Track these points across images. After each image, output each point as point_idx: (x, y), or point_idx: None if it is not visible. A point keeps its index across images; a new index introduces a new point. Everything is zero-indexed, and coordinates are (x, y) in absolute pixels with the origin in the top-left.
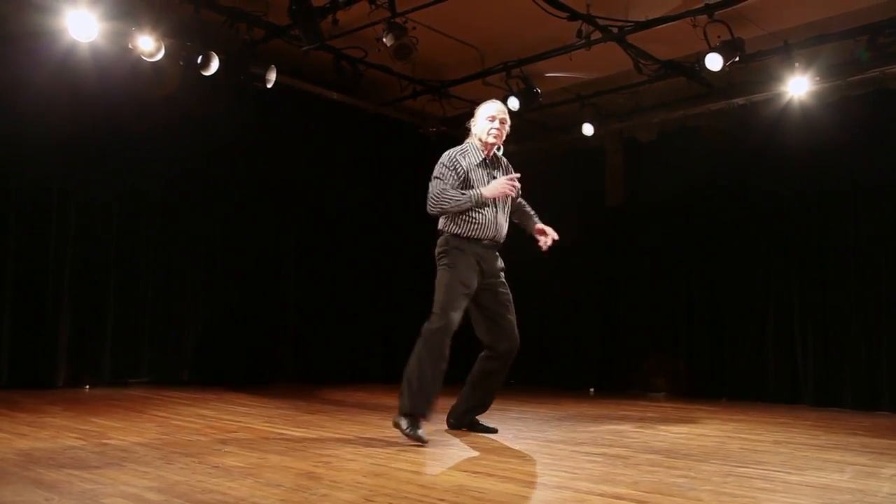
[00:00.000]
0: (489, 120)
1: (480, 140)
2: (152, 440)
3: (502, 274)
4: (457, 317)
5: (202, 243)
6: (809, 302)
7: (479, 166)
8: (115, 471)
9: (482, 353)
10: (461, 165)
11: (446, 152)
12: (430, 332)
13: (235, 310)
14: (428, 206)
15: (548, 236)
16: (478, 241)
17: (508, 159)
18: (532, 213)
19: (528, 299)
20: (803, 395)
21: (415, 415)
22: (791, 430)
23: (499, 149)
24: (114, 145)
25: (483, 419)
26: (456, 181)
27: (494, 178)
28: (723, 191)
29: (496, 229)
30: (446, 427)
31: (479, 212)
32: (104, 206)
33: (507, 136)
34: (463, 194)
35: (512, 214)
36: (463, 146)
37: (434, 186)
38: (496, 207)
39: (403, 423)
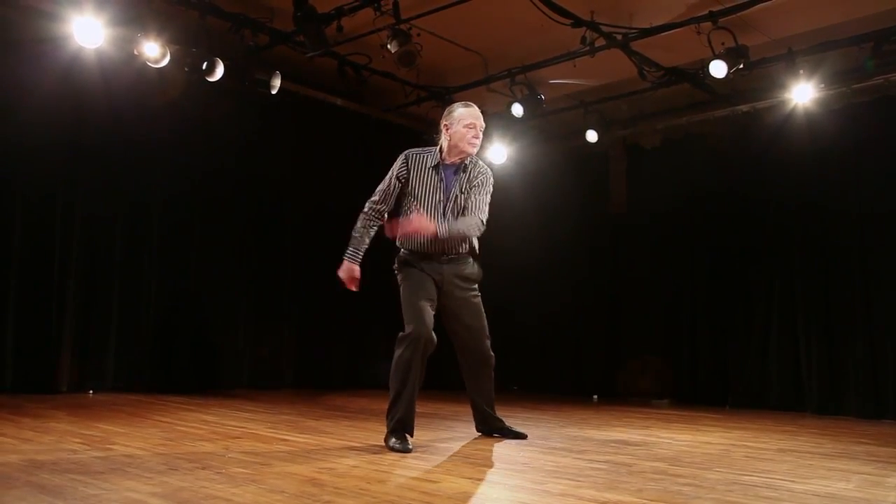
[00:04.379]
0: (468, 128)
1: (454, 145)
2: (156, 446)
3: (460, 281)
4: (425, 323)
5: (206, 249)
6: (814, 309)
7: (433, 168)
8: (118, 476)
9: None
10: (403, 170)
11: (407, 150)
12: (402, 346)
13: (239, 315)
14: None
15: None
16: (425, 254)
17: (512, 166)
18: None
19: (531, 305)
20: (808, 403)
21: (399, 430)
22: (796, 439)
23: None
24: (119, 150)
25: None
26: (385, 187)
27: (447, 179)
28: (726, 198)
29: (441, 243)
30: (477, 434)
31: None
32: (109, 211)
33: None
34: (354, 239)
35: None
36: (428, 147)
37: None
38: (445, 217)
39: (391, 440)
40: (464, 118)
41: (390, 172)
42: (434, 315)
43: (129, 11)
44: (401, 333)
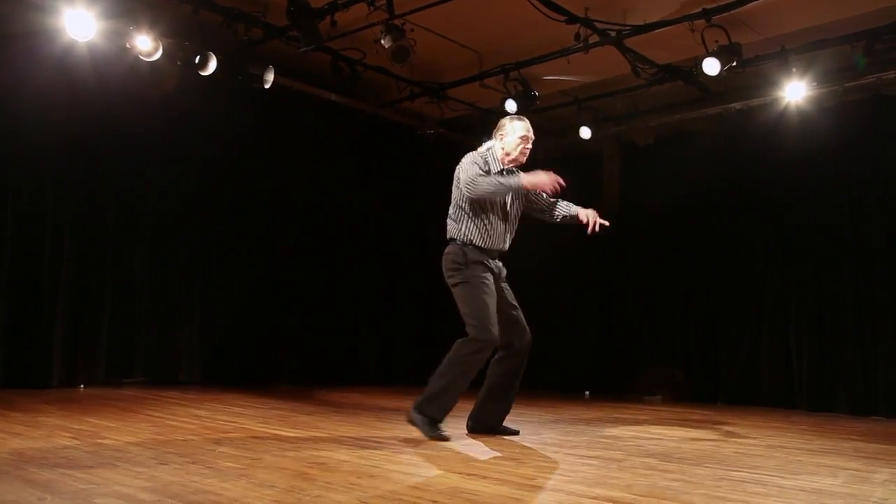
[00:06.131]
0: (523, 140)
1: (507, 154)
2: (146, 440)
3: (503, 280)
4: (497, 328)
5: (199, 243)
6: (805, 307)
7: (497, 174)
8: (108, 471)
9: (496, 356)
10: (485, 169)
11: (467, 155)
12: (476, 348)
13: (232, 310)
14: (466, 190)
15: (589, 220)
16: (489, 251)
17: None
18: (567, 205)
19: (525, 303)
20: (798, 399)
21: (436, 418)
22: (785, 435)
23: None
24: (111, 144)
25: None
26: (480, 170)
27: None
28: (719, 195)
29: (503, 242)
30: (466, 431)
31: (490, 223)
32: (101, 205)
33: None
34: (500, 181)
35: (548, 217)
36: (483, 153)
37: (466, 175)
38: (506, 221)
39: (425, 426)
40: (518, 130)
41: (472, 165)
42: None
43: (122, 4)
44: (471, 336)
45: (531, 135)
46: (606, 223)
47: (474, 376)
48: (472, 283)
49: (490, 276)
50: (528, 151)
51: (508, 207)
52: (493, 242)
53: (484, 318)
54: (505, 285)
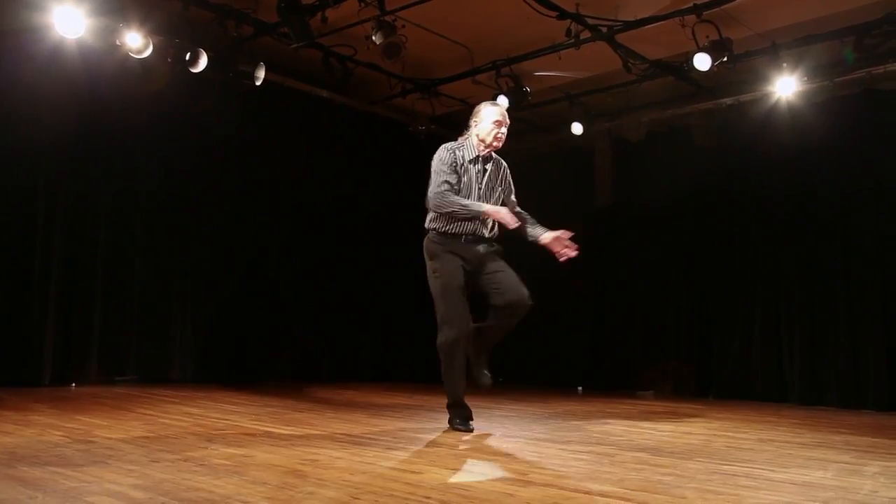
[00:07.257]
0: (496, 125)
1: (482, 140)
2: (138, 438)
3: (492, 255)
4: (463, 319)
5: (191, 241)
6: (796, 301)
7: (471, 162)
8: (99, 469)
9: (485, 322)
10: (455, 160)
11: (442, 146)
12: (445, 345)
13: (224, 308)
14: (431, 204)
15: (563, 247)
16: (457, 236)
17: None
18: (533, 221)
19: None
20: (790, 394)
21: (461, 413)
22: (776, 429)
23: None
24: (101, 142)
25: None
26: (452, 176)
27: (486, 171)
28: (711, 190)
29: (474, 225)
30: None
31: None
32: (92, 202)
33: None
34: (464, 204)
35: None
36: (459, 142)
37: (433, 183)
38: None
39: (456, 422)
40: (491, 115)
41: (441, 164)
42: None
43: (111, 1)
44: (440, 339)
45: (505, 119)
46: (574, 253)
47: (462, 366)
48: (433, 278)
49: (453, 263)
50: (502, 137)
51: (482, 191)
52: (460, 228)
53: (445, 312)
54: (488, 265)
